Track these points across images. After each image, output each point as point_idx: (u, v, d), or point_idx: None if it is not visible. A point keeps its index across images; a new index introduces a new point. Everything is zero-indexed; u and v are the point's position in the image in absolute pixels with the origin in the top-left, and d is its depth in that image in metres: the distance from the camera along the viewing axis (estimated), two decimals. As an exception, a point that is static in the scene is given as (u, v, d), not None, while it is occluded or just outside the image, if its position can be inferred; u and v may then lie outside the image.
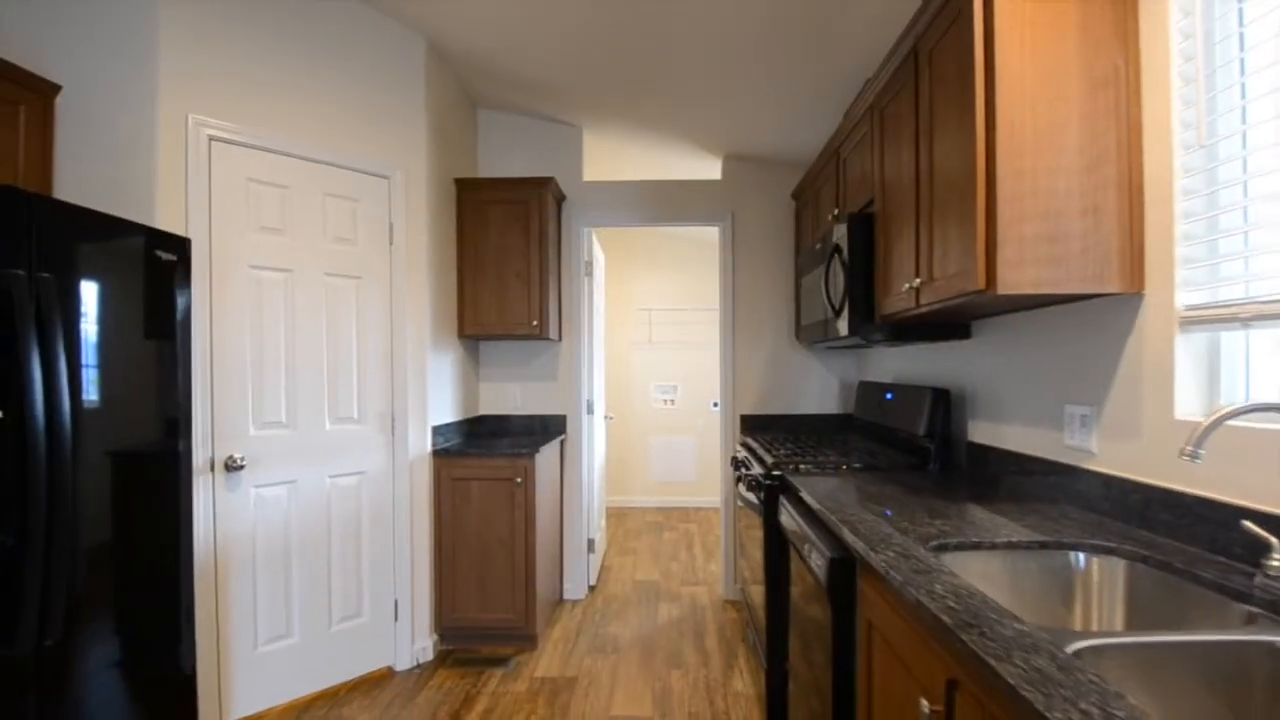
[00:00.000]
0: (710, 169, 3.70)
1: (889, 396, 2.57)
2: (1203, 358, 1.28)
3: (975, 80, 1.38)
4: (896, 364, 2.82)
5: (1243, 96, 1.24)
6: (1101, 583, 1.21)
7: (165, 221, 2.07)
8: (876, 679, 1.23)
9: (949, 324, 2.12)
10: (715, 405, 5.67)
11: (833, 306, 2.32)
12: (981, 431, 2.02)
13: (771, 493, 2.18)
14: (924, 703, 0.92)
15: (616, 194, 3.49)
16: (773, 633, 2.21)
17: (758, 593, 2.47)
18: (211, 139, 2.15)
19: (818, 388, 3.47)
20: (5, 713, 1.45)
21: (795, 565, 1.93)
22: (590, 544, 3.56)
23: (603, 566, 4.03)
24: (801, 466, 2.18)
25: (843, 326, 2.24)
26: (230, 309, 2.19)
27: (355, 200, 2.52)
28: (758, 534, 2.41)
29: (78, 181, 2.08)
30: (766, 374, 3.49)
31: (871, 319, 2.14)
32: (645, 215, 3.50)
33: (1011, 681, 0.70)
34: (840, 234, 2.23)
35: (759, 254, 3.49)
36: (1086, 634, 0.85)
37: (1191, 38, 1.28)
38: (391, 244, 2.62)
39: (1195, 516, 1.20)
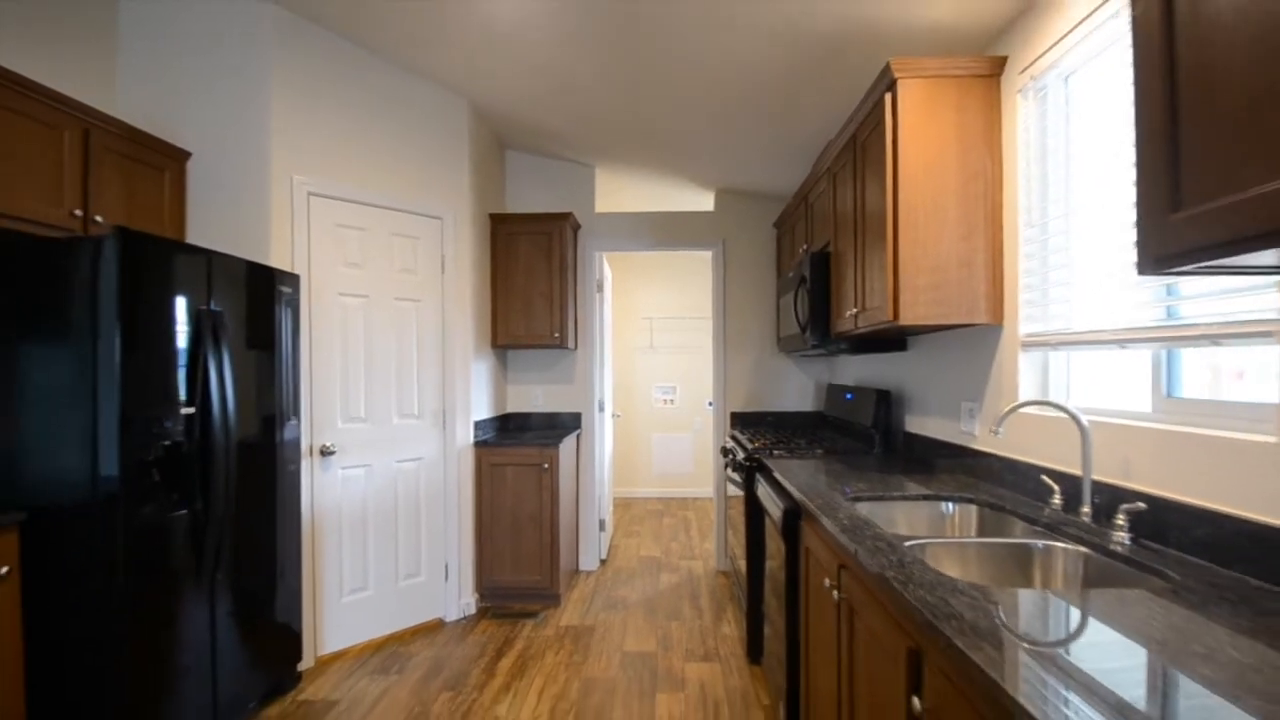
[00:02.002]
0: (704, 201, 4.28)
1: (849, 396, 3.15)
2: (1038, 368, 1.86)
3: (886, 173, 1.96)
4: (857, 370, 3.40)
5: (1067, 189, 1.82)
6: (961, 519, 1.79)
7: (276, 260, 2.64)
8: (810, 580, 1.81)
9: (891, 340, 2.69)
10: (710, 404, 6.23)
11: (799, 324, 2.90)
12: (913, 423, 2.60)
13: (750, 472, 2.76)
14: (826, 580, 1.50)
15: (624, 223, 4.07)
16: (752, 584, 2.78)
17: (744, 564, 3.04)
18: (310, 194, 2.73)
19: (796, 389, 4.05)
20: (197, 619, 2.02)
21: (769, 538, 2.50)
22: (602, 523, 4.14)
23: (611, 545, 4.61)
24: (775, 452, 2.75)
25: (808, 340, 2.82)
26: (323, 328, 2.77)
27: (416, 238, 3.09)
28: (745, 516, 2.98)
29: (205, 229, 2.65)
30: (753, 377, 4.07)
31: (829, 335, 2.72)
32: (649, 241, 4.08)
33: (856, 549, 1.28)
34: (806, 266, 2.81)
35: (746, 275, 4.08)
36: (915, 537, 1.43)
37: (1029, 147, 1.86)
38: (443, 272, 3.20)
39: (1023, 475, 1.78)
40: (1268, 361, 1.18)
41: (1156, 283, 1.41)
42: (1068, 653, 0.82)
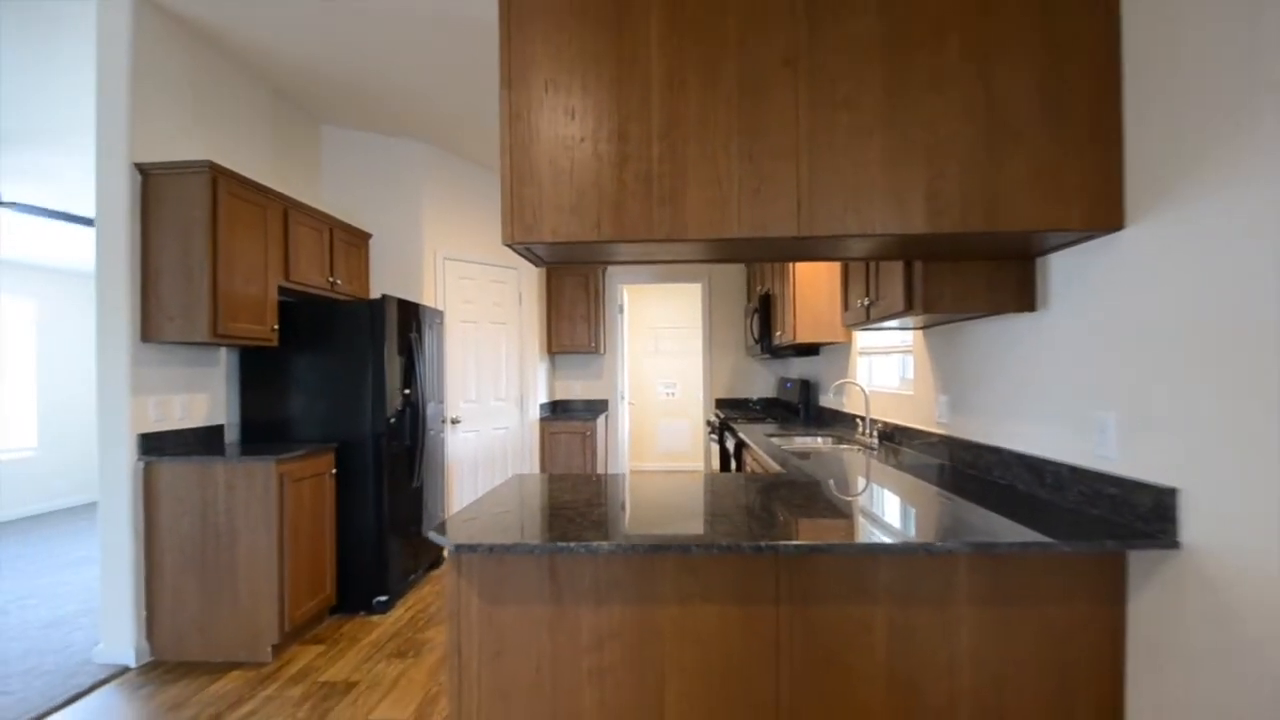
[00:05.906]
0: (695, 246, 5.89)
1: (789, 385, 4.77)
2: (866, 366, 3.48)
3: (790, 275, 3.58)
4: (799, 368, 5.02)
5: (882, 270, 3.44)
6: (823, 442, 3.40)
7: (427, 302, 4.25)
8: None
9: (811, 349, 4.31)
10: (704, 396, 7.83)
11: (754, 338, 4.52)
12: (823, 400, 4.22)
13: (722, 432, 4.38)
14: (752, 465, 3.11)
15: (639, 265, 5.68)
16: (724, 503, 4.40)
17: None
18: (445, 259, 4.35)
19: (761, 382, 5.67)
20: (410, 507, 3.64)
21: (731, 465, 4.09)
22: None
23: (629, 499, 6.22)
24: (738, 420, 4.37)
25: (761, 348, 4.44)
26: (452, 343, 4.38)
27: (503, 283, 4.72)
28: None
29: (382, 282, 4.27)
30: (731, 373, 5.69)
31: (772, 345, 4.34)
32: (656, 277, 5.69)
33: (760, 451, 2.89)
34: (758, 303, 4.43)
35: (725, 299, 5.69)
36: (790, 448, 3.05)
37: (864, 248, 3.49)
38: (520, 304, 4.82)
39: (852, 419, 3.40)
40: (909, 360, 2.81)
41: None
42: (830, 475, 2.43)
